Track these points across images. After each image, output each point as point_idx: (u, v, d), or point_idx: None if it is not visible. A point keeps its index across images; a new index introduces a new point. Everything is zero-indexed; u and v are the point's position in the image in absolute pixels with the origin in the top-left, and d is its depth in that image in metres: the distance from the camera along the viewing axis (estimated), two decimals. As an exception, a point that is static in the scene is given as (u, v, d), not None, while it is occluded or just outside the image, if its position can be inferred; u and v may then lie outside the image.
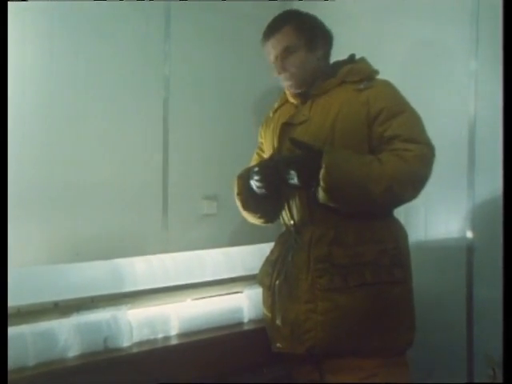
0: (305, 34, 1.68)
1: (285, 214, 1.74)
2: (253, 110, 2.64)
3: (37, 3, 2.02)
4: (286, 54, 1.67)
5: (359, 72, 1.67)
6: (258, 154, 1.93)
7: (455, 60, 2.14)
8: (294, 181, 1.57)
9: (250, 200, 1.76)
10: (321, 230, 1.62)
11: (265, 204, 1.74)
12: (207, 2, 2.47)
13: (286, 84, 1.74)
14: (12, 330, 1.47)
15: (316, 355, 1.63)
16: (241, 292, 2.03)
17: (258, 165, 1.72)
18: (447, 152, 1.91)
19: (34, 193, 2.06)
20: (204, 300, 1.97)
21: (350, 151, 1.57)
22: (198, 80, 2.52)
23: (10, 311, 1.45)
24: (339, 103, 1.63)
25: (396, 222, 1.70)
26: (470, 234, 2.06)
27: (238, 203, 1.82)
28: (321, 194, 1.54)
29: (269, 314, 1.75)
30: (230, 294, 2.03)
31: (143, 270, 1.89)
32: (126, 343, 1.69)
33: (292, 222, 1.71)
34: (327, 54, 1.74)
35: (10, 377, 1.28)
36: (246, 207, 1.80)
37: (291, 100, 1.79)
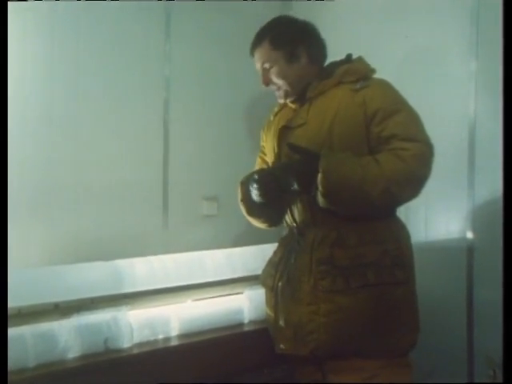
0: (282, 46, 1.70)
1: (287, 217, 1.74)
2: (253, 110, 2.64)
3: (37, 3, 2.02)
4: (265, 69, 1.72)
5: (356, 72, 1.67)
6: (260, 157, 1.94)
7: (455, 60, 2.14)
8: (294, 187, 1.57)
9: (253, 206, 1.76)
10: (323, 232, 1.62)
11: (268, 209, 1.75)
12: (207, 2, 2.47)
13: (275, 94, 1.77)
14: (12, 331, 1.47)
15: (319, 356, 1.63)
16: (241, 293, 2.02)
17: (256, 173, 1.72)
18: (447, 152, 1.92)
19: (34, 193, 2.07)
20: (204, 301, 1.97)
21: (347, 154, 1.56)
22: (198, 80, 2.52)
23: (10, 312, 1.44)
24: (336, 105, 1.63)
25: (398, 223, 1.69)
26: (470, 235, 2.06)
27: (242, 209, 1.83)
28: (319, 199, 1.54)
29: (272, 315, 1.75)
30: (230, 294, 2.03)
31: (143, 270, 1.89)
32: (126, 344, 1.69)
33: (294, 225, 1.71)
34: (317, 59, 1.74)
35: (10, 378, 1.28)
36: (250, 213, 1.81)
37: (289, 104, 1.79)
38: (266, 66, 1.72)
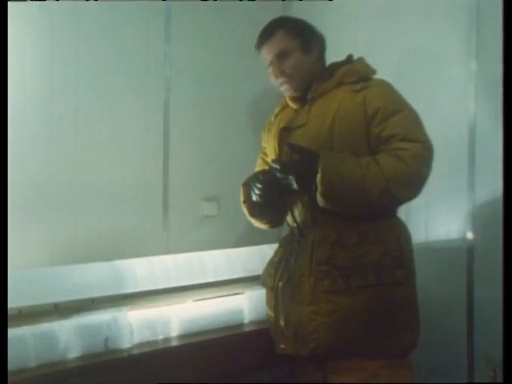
0: (298, 36, 1.70)
1: (288, 217, 1.74)
2: (253, 110, 2.64)
3: (37, 3, 2.02)
4: (281, 57, 1.69)
5: (356, 72, 1.67)
6: (262, 158, 1.93)
7: (455, 60, 2.14)
8: (293, 186, 1.58)
9: (256, 207, 1.76)
10: (323, 232, 1.62)
11: (271, 210, 1.75)
12: (207, 2, 2.47)
13: (283, 88, 1.75)
14: (12, 332, 1.47)
15: (319, 356, 1.63)
16: (241, 293, 2.03)
17: (256, 173, 1.72)
18: (447, 153, 1.92)
19: (34, 194, 2.06)
20: (205, 301, 1.97)
21: (346, 154, 1.57)
22: (198, 81, 2.51)
23: (10, 313, 1.44)
24: (337, 105, 1.63)
25: (399, 223, 1.69)
26: (470, 235, 2.06)
27: (245, 210, 1.83)
28: (319, 198, 1.54)
29: (272, 315, 1.75)
30: (230, 295, 2.03)
31: (144, 271, 1.89)
32: (126, 345, 1.69)
33: (295, 225, 1.71)
34: (321, 57, 1.75)
35: (10, 378, 1.28)
36: (252, 214, 1.81)
37: (290, 104, 1.79)
38: (281, 55, 1.68)
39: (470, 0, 2.06)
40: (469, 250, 2.06)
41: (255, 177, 1.69)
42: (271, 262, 1.82)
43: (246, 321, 1.98)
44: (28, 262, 1.98)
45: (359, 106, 1.60)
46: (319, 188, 1.52)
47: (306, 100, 1.72)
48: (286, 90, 1.75)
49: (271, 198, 1.66)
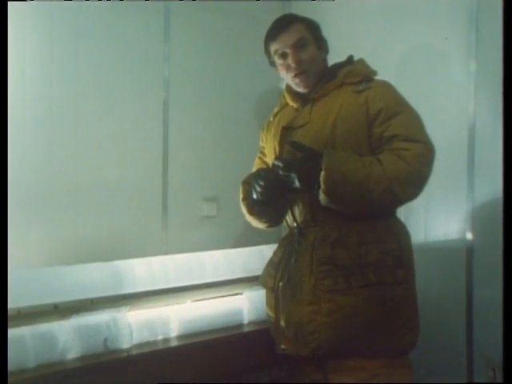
0: (313, 31, 1.71)
1: (288, 217, 1.74)
2: (253, 110, 2.64)
3: (37, 3, 2.02)
4: (298, 47, 1.67)
5: (358, 73, 1.68)
6: (259, 158, 1.93)
7: (455, 61, 2.14)
8: (295, 184, 1.58)
9: (255, 205, 1.75)
10: (324, 232, 1.62)
11: (270, 208, 1.74)
12: (207, 2, 2.47)
13: (295, 82, 1.71)
14: (12, 332, 1.47)
15: (320, 356, 1.63)
16: (241, 294, 2.02)
17: (259, 170, 1.72)
18: (447, 153, 1.91)
19: (34, 194, 2.06)
20: (204, 302, 1.97)
21: (349, 153, 1.58)
22: (198, 81, 2.52)
23: (10, 313, 1.44)
24: (339, 105, 1.64)
25: (399, 223, 1.70)
26: (469, 235, 2.06)
27: (243, 208, 1.83)
28: (322, 197, 1.54)
29: (272, 316, 1.75)
30: (230, 295, 2.03)
31: (143, 271, 1.89)
32: (125, 345, 1.69)
33: (295, 224, 1.71)
34: (326, 58, 1.76)
35: (9, 379, 1.28)
36: (251, 212, 1.81)
37: (291, 103, 1.79)
38: (299, 45, 1.66)
39: (469, 0, 2.06)
40: (468, 251, 2.06)
41: (257, 174, 1.68)
42: (271, 262, 1.82)
43: (246, 321, 1.97)
44: (28, 262, 1.98)
45: (361, 107, 1.61)
46: (322, 186, 1.52)
47: (307, 99, 1.72)
48: (298, 83, 1.71)
49: (272, 195, 1.66)
